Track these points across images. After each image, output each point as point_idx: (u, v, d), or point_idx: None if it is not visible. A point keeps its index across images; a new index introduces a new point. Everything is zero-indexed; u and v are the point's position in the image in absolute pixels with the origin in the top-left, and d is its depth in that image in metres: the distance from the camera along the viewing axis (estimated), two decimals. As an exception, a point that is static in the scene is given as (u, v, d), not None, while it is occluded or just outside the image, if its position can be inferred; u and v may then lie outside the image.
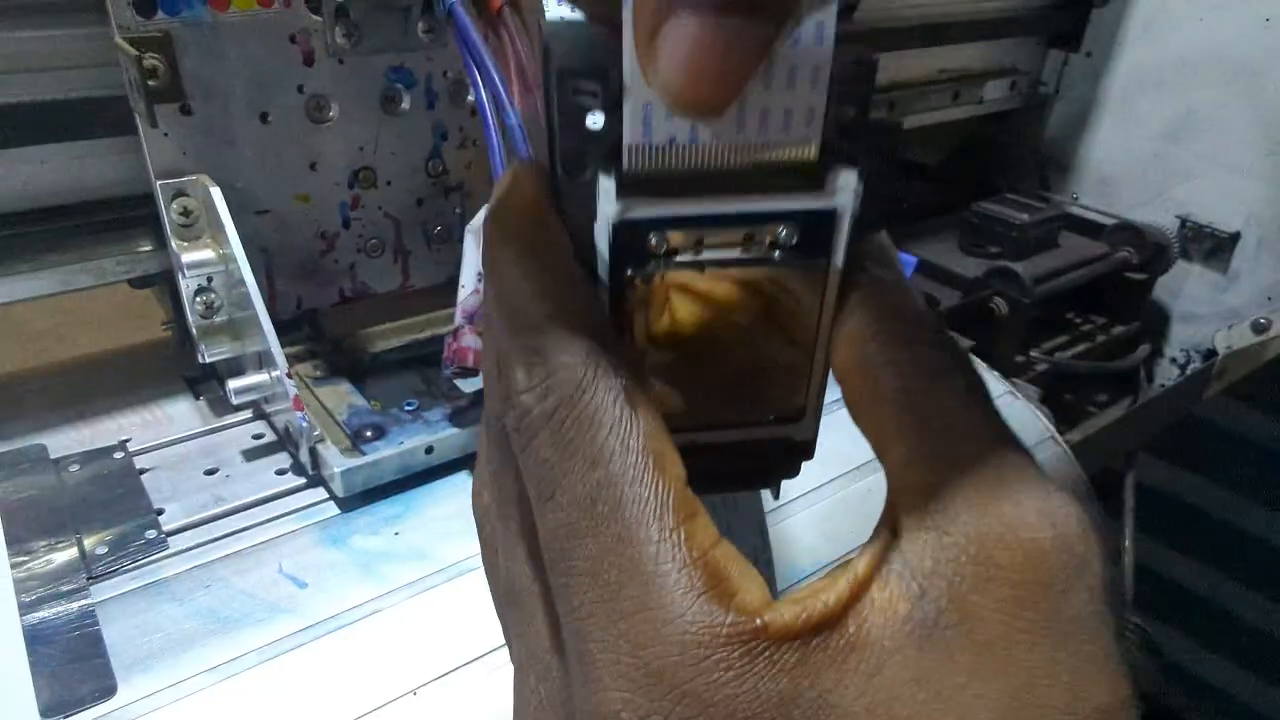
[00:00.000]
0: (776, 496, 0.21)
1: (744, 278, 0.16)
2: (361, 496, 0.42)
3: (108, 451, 0.44)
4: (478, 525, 0.20)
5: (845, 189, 0.15)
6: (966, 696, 0.14)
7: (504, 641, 0.20)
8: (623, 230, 0.15)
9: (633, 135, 0.14)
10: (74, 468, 0.43)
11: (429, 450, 0.43)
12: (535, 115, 0.41)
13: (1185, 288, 0.80)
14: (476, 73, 0.41)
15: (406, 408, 0.46)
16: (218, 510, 0.41)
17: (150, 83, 0.41)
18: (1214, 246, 0.78)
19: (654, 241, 0.15)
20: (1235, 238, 0.77)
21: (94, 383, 0.50)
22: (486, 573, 0.20)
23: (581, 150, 0.15)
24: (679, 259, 0.16)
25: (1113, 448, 0.75)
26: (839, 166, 0.15)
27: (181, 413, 0.48)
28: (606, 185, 0.15)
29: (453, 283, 0.46)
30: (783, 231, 0.16)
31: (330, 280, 0.51)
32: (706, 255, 0.16)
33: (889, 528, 0.16)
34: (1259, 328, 0.76)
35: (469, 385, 0.47)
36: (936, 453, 0.15)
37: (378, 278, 0.53)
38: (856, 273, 0.17)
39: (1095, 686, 0.14)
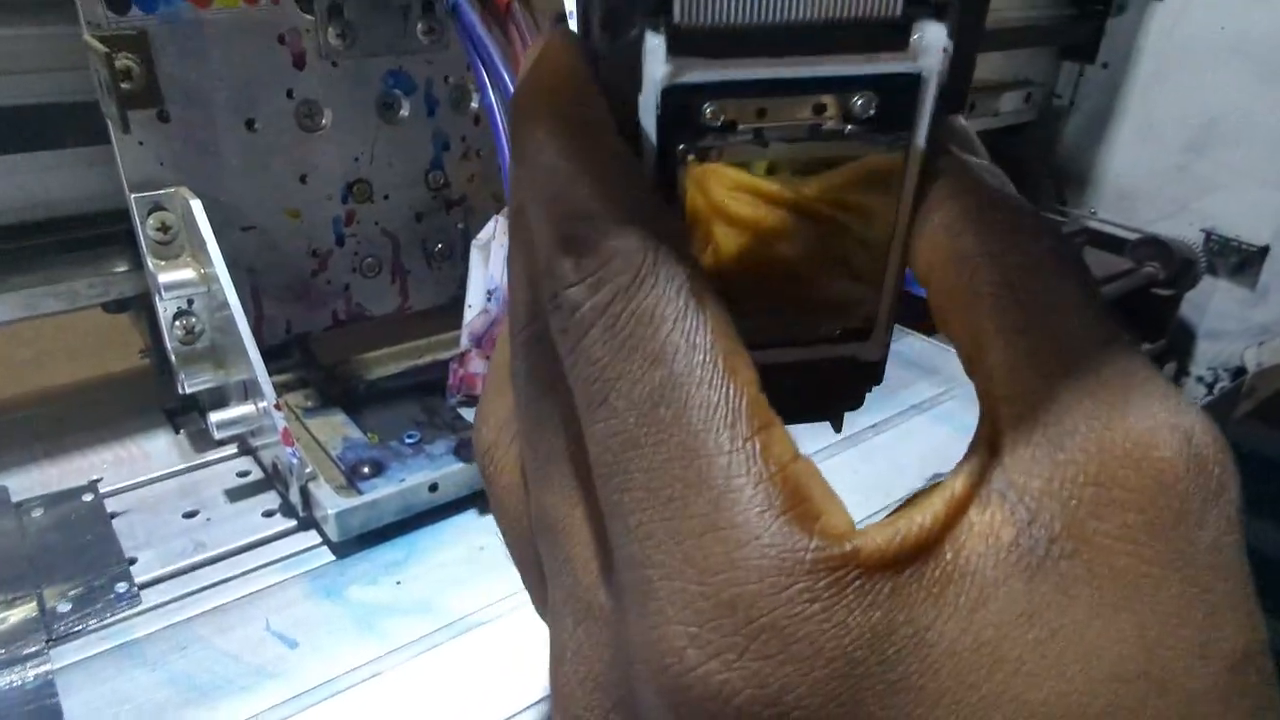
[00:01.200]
0: (839, 430, 0.19)
1: (807, 190, 0.14)
2: (358, 541, 0.37)
3: (75, 493, 0.40)
4: (482, 463, 0.18)
5: (933, 48, 0.13)
6: (1088, 637, 0.12)
7: (530, 603, 0.18)
8: (674, 96, 0.13)
9: None
10: (37, 512, 0.39)
11: (433, 488, 0.38)
12: None
13: (1212, 304, 0.77)
14: (484, 71, 0.37)
15: (407, 440, 0.42)
16: (197, 559, 0.37)
17: (124, 85, 0.37)
18: (1242, 261, 0.75)
19: (710, 112, 0.13)
20: (1264, 251, 0.74)
21: (64, 417, 0.45)
22: (498, 516, 0.18)
23: (621, 6, 0.13)
24: (738, 134, 0.13)
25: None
26: (925, 21, 0.13)
27: (159, 449, 0.44)
28: (654, 43, 0.13)
29: (456, 304, 0.43)
30: (858, 101, 0.13)
31: (322, 302, 0.47)
32: (769, 130, 0.14)
33: (986, 444, 0.13)
34: (1292, 344, 0.73)
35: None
36: (1047, 355, 0.13)
37: (374, 299, 0.49)
38: (940, 158, 0.14)
39: (1231, 629, 0.13)
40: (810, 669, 0.12)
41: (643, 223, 0.13)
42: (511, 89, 0.36)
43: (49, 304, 0.43)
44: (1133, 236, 0.76)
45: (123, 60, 0.37)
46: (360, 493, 0.38)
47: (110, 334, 0.54)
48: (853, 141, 0.14)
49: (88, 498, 0.40)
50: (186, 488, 0.41)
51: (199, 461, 0.43)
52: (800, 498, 0.13)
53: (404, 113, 0.46)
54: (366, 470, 0.39)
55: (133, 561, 0.36)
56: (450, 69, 0.46)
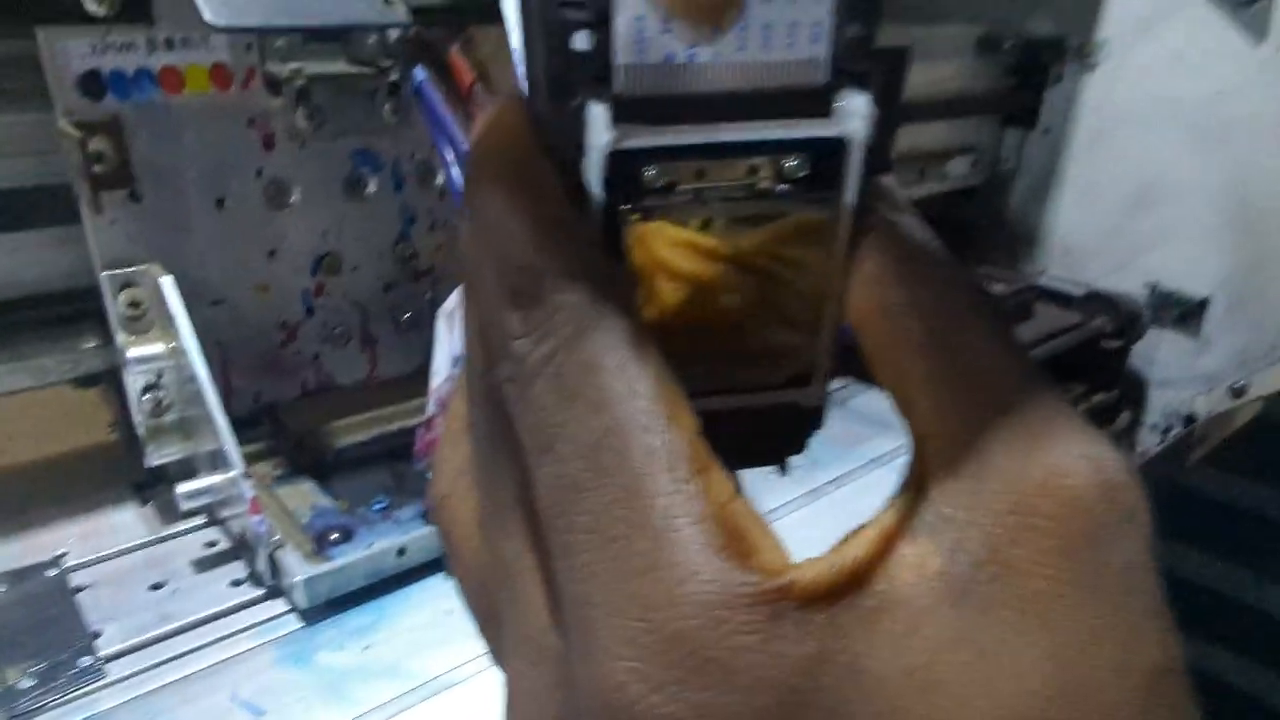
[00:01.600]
0: (784, 473, 0.19)
1: (744, 244, 0.15)
2: (326, 607, 0.38)
3: (39, 569, 0.40)
4: (437, 514, 0.19)
5: (856, 114, 0.14)
6: (1013, 657, 0.13)
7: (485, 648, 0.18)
8: (617, 160, 0.14)
9: (625, 54, 0.13)
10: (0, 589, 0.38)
11: (401, 552, 0.39)
12: None
13: (1160, 354, 0.80)
14: (448, 150, 0.39)
15: (375, 507, 0.42)
16: (163, 630, 0.37)
17: (96, 168, 0.38)
18: (1184, 313, 0.78)
19: (651, 174, 0.14)
20: (1204, 303, 0.77)
21: (28, 492, 0.45)
22: (454, 566, 0.18)
23: (568, 74, 0.14)
24: (679, 194, 0.14)
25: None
26: (849, 90, 0.14)
27: (126, 522, 0.44)
28: (597, 111, 0.13)
29: (423, 372, 0.44)
30: (789, 163, 0.14)
31: (292, 372, 0.48)
32: (708, 189, 0.14)
33: (915, 481, 0.14)
34: (1236, 391, 0.76)
35: (443, 479, 0.44)
36: (969, 398, 0.14)
37: (343, 368, 0.50)
38: (869, 215, 0.15)
39: (1147, 644, 0.13)
40: (751, 698, 0.13)
41: (586, 278, 0.14)
42: (474, 164, 0.38)
43: (19, 380, 0.43)
44: (1081, 292, 0.79)
45: (96, 144, 0.38)
46: (329, 559, 0.38)
47: (76, 410, 0.54)
48: (786, 200, 0.15)
49: (51, 573, 0.40)
50: (153, 559, 0.41)
51: (167, 533, 0.43)
52: (738, 536, 0.13)
53: (372, 189, 0.48)
54: (335, 537, 0.40)
55: (97, 635, 0.36)
56: (416, 146, 0.48)
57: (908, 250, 0.16)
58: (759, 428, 0.17)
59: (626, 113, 0.13)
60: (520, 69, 0.19)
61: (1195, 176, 0.75)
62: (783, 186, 0.15)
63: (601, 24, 0.13)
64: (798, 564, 0.13)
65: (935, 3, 0.87)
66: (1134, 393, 0.81)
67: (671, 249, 0.15)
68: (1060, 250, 0.86)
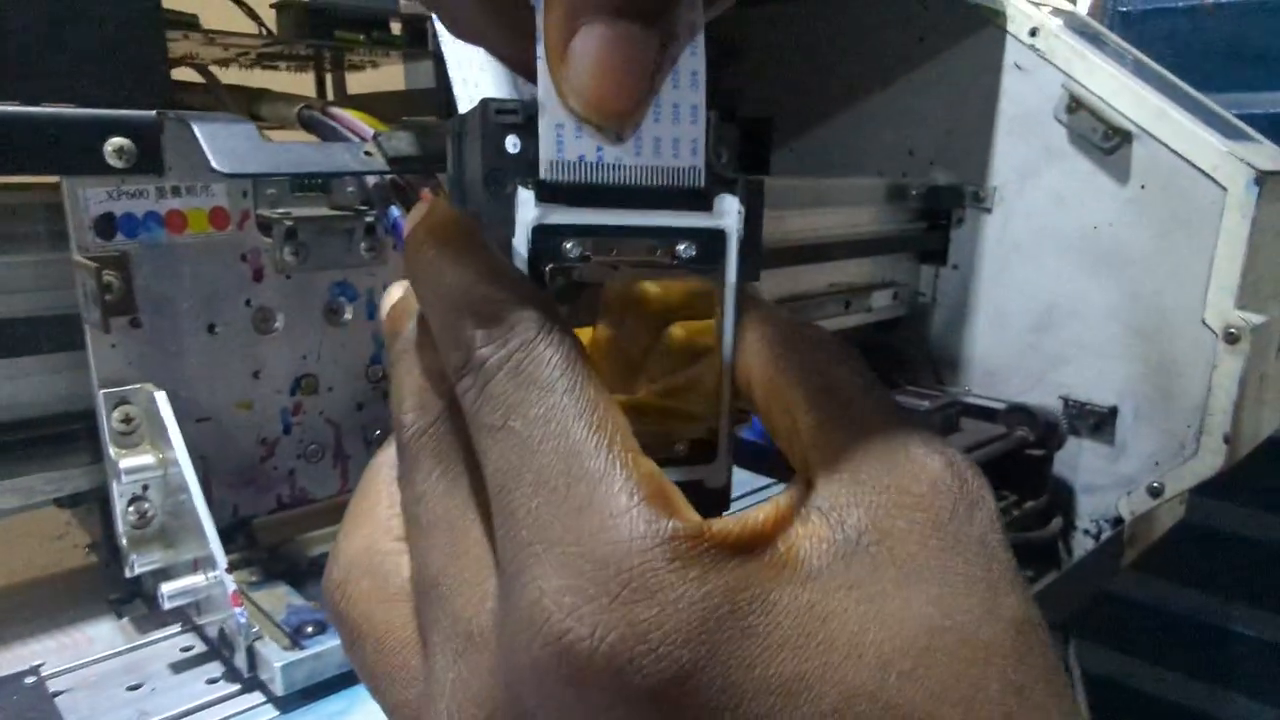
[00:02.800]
0: None
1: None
2: (301, 695, 0.39)
3: (17, 678, 0.41)
4: (333, 597, 0.20)
5: (729, 212, 0.19)
6: (896, 601, 0.15)
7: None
8: (540, 234, 0.17)
9: (547, 152, 0.17)
10: (-22, 697, 0.39)
11: (374, 640, 0.41)
12: None
13: (1081, 461, 0.86)
14: (420, 272, 0.44)
15: (349, 603, 0.44)
16: (141, 725, 0.38)
17: (107, 297, 0.43)
18: (1097, 421, 0.85)
19: (569, 246, 0.18)
20: (1114, 411, 0.84)
21: (3, 610, 0.47)
22: (357, 640, 0.20)
23: (501, 169, 0.17)
24: (592, 263, 0.18)
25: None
26: (724, 194, 0.19)
27: (102, 634, 0.45)
28: (525, 195, 0.17)
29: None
30: (681, 245, 0.19)
31: (269, 487, 0.51)
32: (617, 259, 0.18)
33: (800, 484, 0.17)
34: (1154, 491, 0.81)
35: (413, 577, 0.47)
36: (844, 418, 0.18)
37: (317, 483, 0.53)
38: (747, 301, 0.19)
39: (1008, 599, 0.16)
40: (674, 611, 0.14)
41: (535, 302, 0.17)
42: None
43: (6, 500, 0.46)
44: (1002, 406, 0.86)
45: (106, 276, 0.43)
46: (305, 648, 0.40)
47: (41, 529, 0.55)
48: (679, 271, 0.19)
49: (30, 680, 0.41)
50: (130, 665, 0.43)
51: (142, 641, 0.45)
52: (663, 495, 0.16)
53: (348, 316, 0.53)
54: (310, 629, 0.42)
55: (77, 731, 0.37)
56: (389, 279, 0.54)
57: (782, 321, 0.20)
58: None
59: (549, 196, 0.17)
60: (448, 183, 0.24)
61: (1090, 297, 0.84)
62: (677, 262, 0.19)
63: (529, 127, 0.17)
64: (710, 521, 0.16)
65: (848, 160, 0.99)
66: (1062, 499, 0.86)
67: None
68: (981, 371, 0.93)
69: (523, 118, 0.17)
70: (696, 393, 0.19)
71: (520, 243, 0.18)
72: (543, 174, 0.17)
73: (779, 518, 0.16)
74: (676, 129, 0.17)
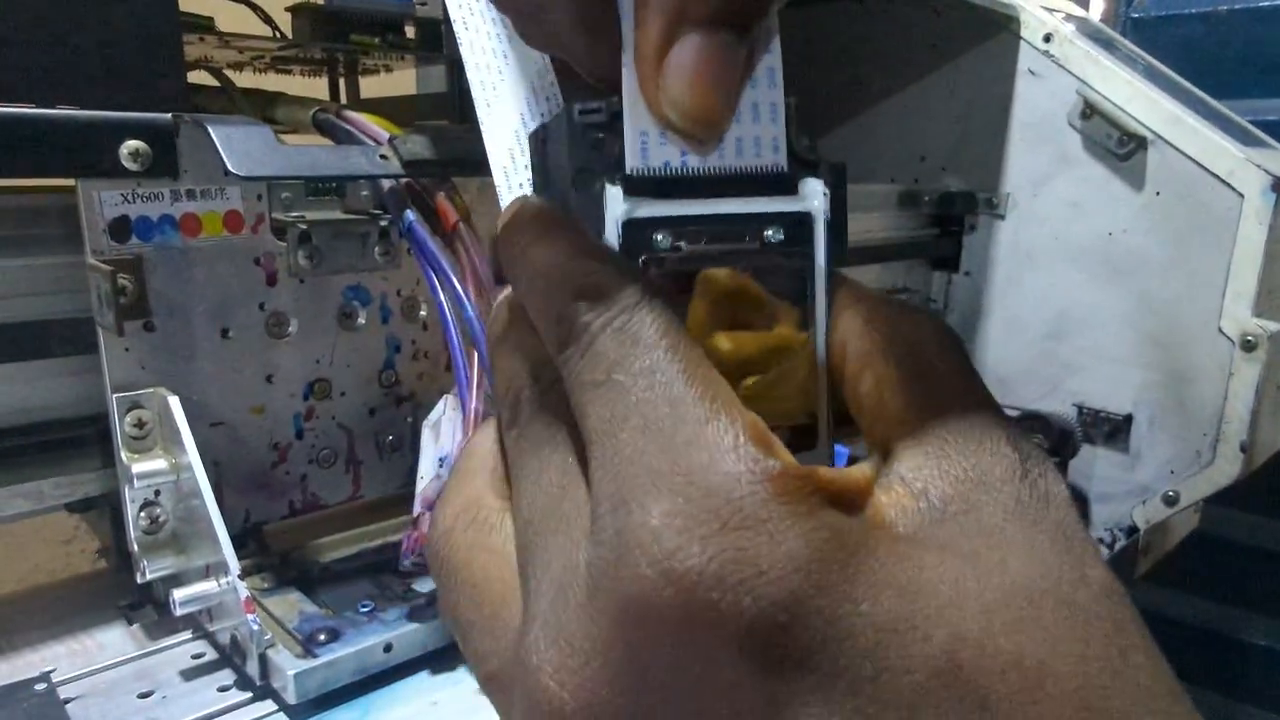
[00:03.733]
0: None
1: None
2: (314, 704, 0.39)
3: (28, 684, 0.41)
4: (438, 543, 0.21)
5: (814, 194, 0.19)
6: (990, 562, 0.15)
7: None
8: (630, 228, 0.18)
9: (632, 160, 0.17)
10: (-11, 703, 0.39)
11: (388, 648, 0.41)
12: (489, 313, 0.44)
13: (1096, 469, 0.85)
14: (434, 277, 0.44)
15: (361, 609, 0.44)
16: (153, 733, 0.38)
17: (120, 300, 0.42)
18: (1111, 429, 0.84)
19: (659, 237, 0.18)
20: (1129, 419, 0.83)
21: (14, 616, 0.46)
22: (457, 584, 0.20)
23: (589, 166, 0.18)
24: (683, 252, 0.18)
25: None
26: (807, 177, 0.19)
27: (113, 640, 0.45)
28: (613, 191, 0.18)
29: (406, 494, 0.47)
30: (769, 231, 0.18)
31: (281, 492, 0.51)
32: (706, 248, 0.18)
33: (878, 457, 0.17)
34: (1170, 500, 0.80)
35: (425, 585, 0.47)
36: (934, 397, 0.18)
37: (329, 488, 0.53)
38: (838, 279, 0.19)
39: (1094, 569, 0.16)
40: (783, 541, 0.14)
41: (635, 278, 0.17)
42: (461, 295, 0.43)
43: (17, 505, 0.46)
44: (1015, 414, 0.85)
45: (121, 279, 0.43)
46: (317, 656, 0.40)
47: (51, 534, 0.55)
48: (770, 256, 0.19)
49: (41, 687, 0.40)
50: (141, 672, 0.42)
51: (153, 648, 0.44)
52: (767, 440, 0.16)
53: (361, 321, 0.52)
54: (323, 637, 0.41)
55: (88, 739, 0.37)
56: (402, 283, 0.54)
57: (875, 296, 0.20)
58: None
59: (636, 191, 0.18)
60: (508, 190, 0.24)
61: (1104, 305, 0.83)
62: (766, 242, 0.18)
63: (613, 125, 0.18)
64: (812, 468, 0.16)
65: (860, 165, 0.99)
66: (1078, 508, 0.86)
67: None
68: (994, 379, 0.93)
69: (606, 117, 0.18)
70: (787, 386, 0.19)
71: (611, 236, 0.18)
72: (629, 169, 0.18)
73: (868, 481, 0.17)
74: (758, 128, 0.18)
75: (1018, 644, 0.15)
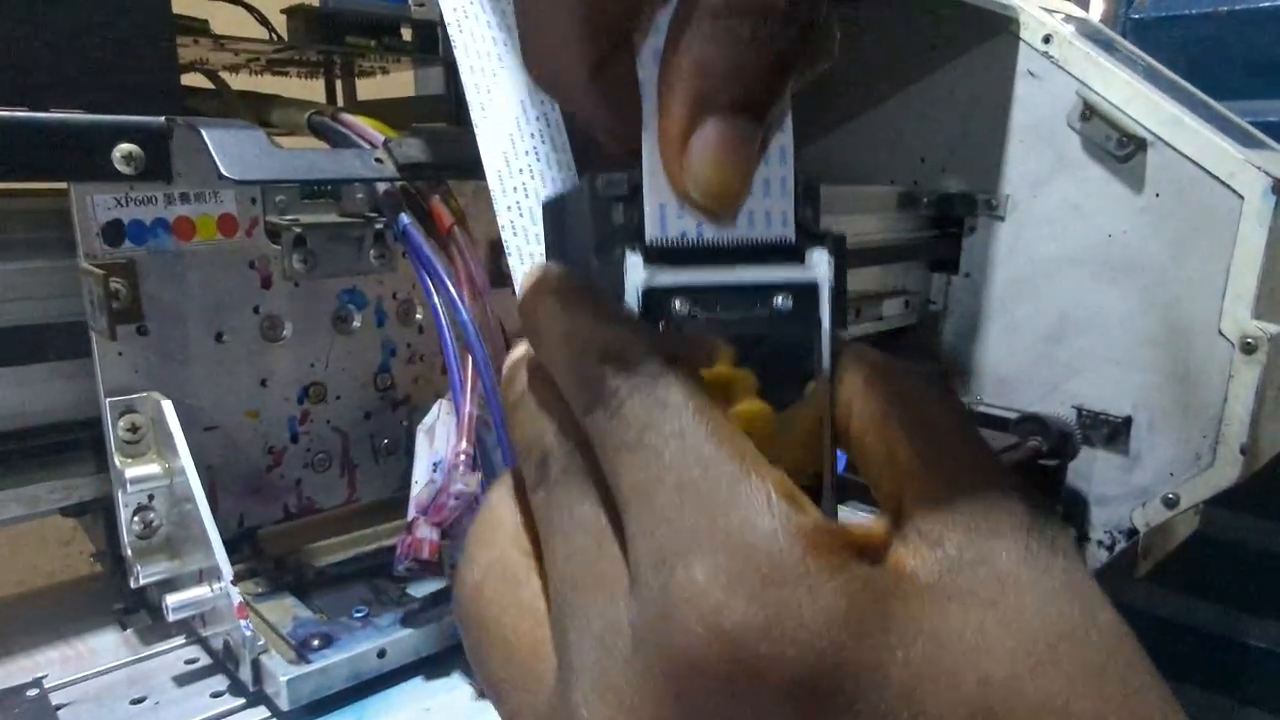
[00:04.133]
0: None
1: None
2: (307, 710, 0.39)
3: (20, 690, 0.40)
4: (468, 599, 0.21)
5: (821, 263, 0.19)
6: (1009, 608, 0.16)
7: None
8: (650, 295, 0.19)
9: (651, 230, 0.18)
10: (-20, 709, 0.39)
11: (382, 654, 0.40)
12: (483, 317, 0.44)
13: (1095, 471, 0.85)
14: (429, 281, 0.44)
15: (355, 615, 0.44)
16: (145, 740, 0.37)
17: (114, 304, 0.42)
18: (1111, 432, 0.84)
19: (678, 303, 0.19)
20: (1128, 421, 0.83)
21: (7, 621, 0.46)
22: (487, 638, 0.20)
23: (610, 237, 0.19)
24: (699, 318, 0.19)
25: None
26: (813, 247, 0.19)
27: (106, 645, 0.45)
28: (634, 259, 0.19)
29: (399, 500, 0.47)
30: (778, 298, 0.19)
31: (275, 497, 0.51)
32: (720, 316, 0.19)
33: (891, 515, 0.18)
34: (1169, 502, 0.80)
35: (420, 589, 0.46)
36: (942, 455, 0.18)
37: (324, 492, 0.52)
38: (842, 343, 0.20)
39: (1104, 614, 0.17)
40: (823, 595, 0.15)
41: (658, 342, 0.18)
42: (455, 299, 0.43)
43: (11, 509, 0.45)
44: (1014, 416, 0.85)
45: (113, 283, 0.42)
46: (311, 662, 0.39)
47: (50, 534, 0.55)
48: (778, 323, 0.19)
49: (32, 693, 0.40)
50: (134, 677, 0.42)
51: (146, 653, 0.44)
52: (796, 497, 0.16)
53: (356, 324, 0.52)
54: (316, 643, 0.41)
55: (80, 746, 0.37)
56: (397, 287, 0.53)
57: (880, 360, 0.20)
58: None
59: (655, 259, 0.19)
60: (502, 193, 0.24)
61: (1104, 307, 0.83)
62: (775, 314, 0.19)
63: (634, 198, 0.19)
64: (839, 522, 0.17)
65: (859, 167, 0.98)
66: (1076, 510, 0.85)
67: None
68: (993, 380, 0.92)
69: (628, 189, 0.19)
70: (792, 448, 0.20)
71: (631, 302, 0.19)
72: (649, 239, 0.19)
73: (887, 532, 0.17)
74: (768, 202, 0.19)
75: (1041, 687, 0.15)
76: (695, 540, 0.16)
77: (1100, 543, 0.85)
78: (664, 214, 0.18)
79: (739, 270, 0.19)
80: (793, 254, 0.19)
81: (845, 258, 0.20)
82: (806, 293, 0.19)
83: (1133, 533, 0.83)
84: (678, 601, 0.16)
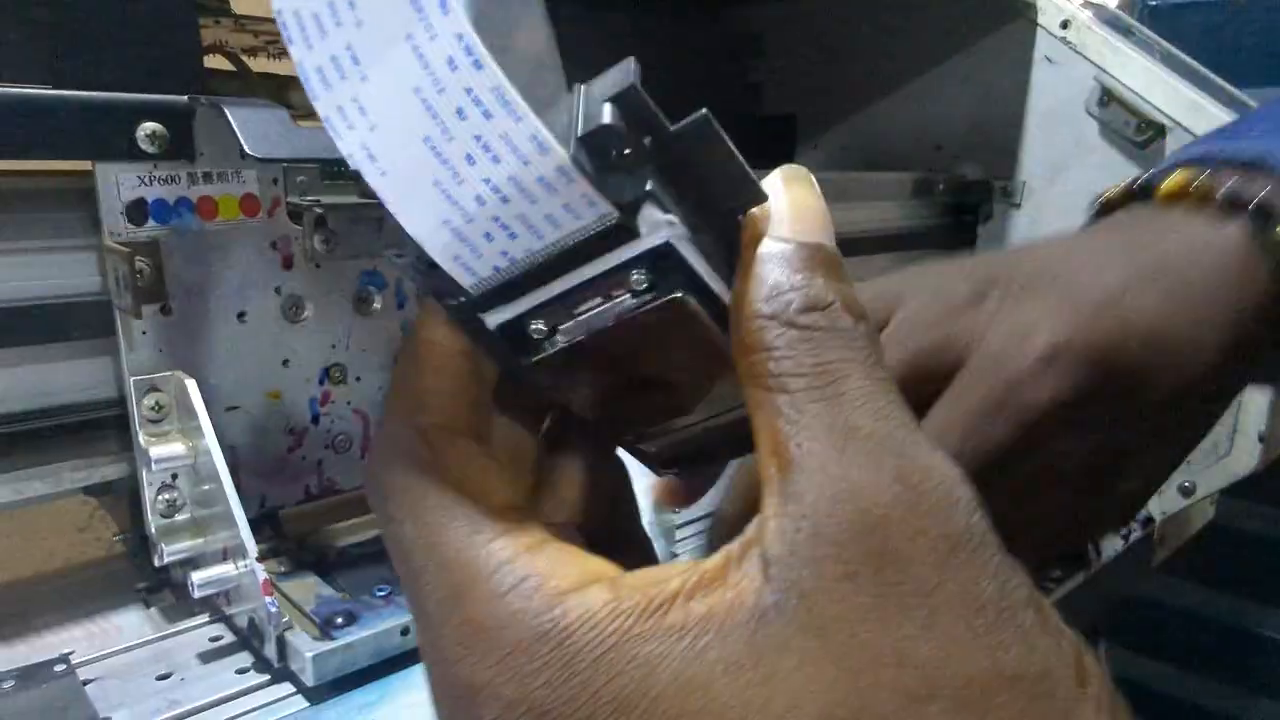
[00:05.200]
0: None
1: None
2: (331, 686, 0.39)
3: (47, 665, 0.41)
4: None
5: (659, 224, 0.16)
6: (796, 681, 0.13)
7: None
8: (504, 331, 0.18)
9: (467, 281, 0.17)
10: (8, 684, 0.39)
11: (405, 632, 0.41)
12: None
13: (1111, 460, 0.84)
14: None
15: (378, 594, 0.44)
16: (171, 714, 0.38)
17: (138, 283, 0.42)
18: (1128, 420, 0.84)
19: (534, 327, 0.17)
20: (1145, 409, 0.82)
21: (33, 599, 0.47)
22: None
23: (439, 289, 0.17)
24: (562, 330, 0.17)
25: (1073, 625, 0.75)
26: (644, 209, 0.16)
27: (131, 623, 0.45)
28: (475, 310, 0.17)
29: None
30: (634, 277, 0.16)
31: (296, 477, 0.51)
32: (582, 320, 0.17)
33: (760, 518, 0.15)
34: (1186, 490, 0.80)
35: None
36: (798, 432, 0.15)
37: (344, 473, 0.53)
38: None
39: (962, 658, 0.13)
40: (540, 677, 0.15)
41: (414, 400, 0.18)
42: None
43: (35, 488, 0.46)
44: (1030, 404, 0.84)
45: (138, 262, 0.43)
46: (335, 639, 0.39)
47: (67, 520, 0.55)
48: (645, 300, 0.17)
49: (60, 669, 0.40)
50: (159, 654, 0.42)
51: (171, 630, 0.44)
52: (532, 570, 0.16)
53: (377, 305, 0.52)
54: (340, 620, 0.41)
55: None
56: (417, 269, 0.53)
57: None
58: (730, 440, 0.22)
59: (487, 303, 0.17)
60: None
61: (1120, 295, 0.82)
62: (635, 295, 0.17)
63: (433, 269, 0.16)
64: (626, 577, 0.16)
65: (874, 154, 0.98)
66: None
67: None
68: (1008, 368, 0.92)
69: (427, 263, 0.16)
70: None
71: (496, 348, 0.18)
72: (469, 288, 0.17)
73: (703, 578, 0.15)
74: (557, 196, 0.15)
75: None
76: (440, 616, 0.18)
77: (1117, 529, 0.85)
78: (464, 264, 0.16)
79: (576, 273, 0.17)
80: (623, 232, 0.16)
81: (703, 156, 0.16)
82: (664, 258, 0.16)
83: (1149, 521, 0.83)
84: (435, 660, 0.19)
